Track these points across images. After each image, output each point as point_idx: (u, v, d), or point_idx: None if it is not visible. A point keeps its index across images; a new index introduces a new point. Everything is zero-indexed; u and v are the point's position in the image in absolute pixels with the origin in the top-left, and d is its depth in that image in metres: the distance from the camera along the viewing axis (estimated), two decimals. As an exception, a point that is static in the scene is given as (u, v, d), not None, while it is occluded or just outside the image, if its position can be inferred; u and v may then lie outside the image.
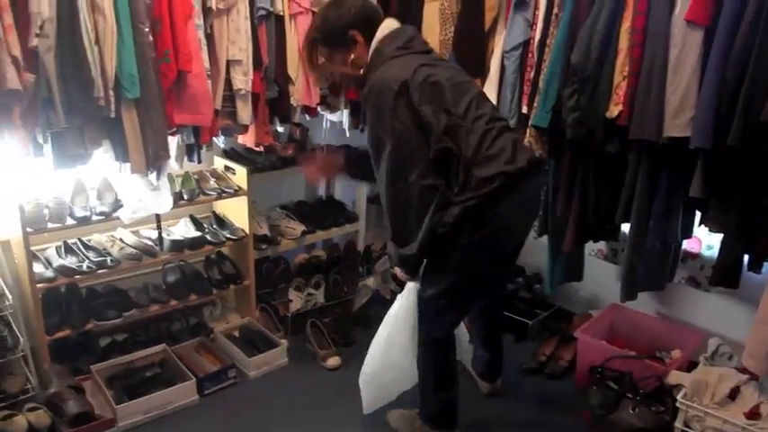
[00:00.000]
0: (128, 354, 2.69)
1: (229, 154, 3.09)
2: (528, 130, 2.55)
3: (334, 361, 2.88)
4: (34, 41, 1.91)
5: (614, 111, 2.25)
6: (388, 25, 2.02)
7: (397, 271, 2.18)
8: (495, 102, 2.59)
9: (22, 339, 2.43)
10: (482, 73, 2.72)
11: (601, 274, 3.15)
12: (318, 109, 2.86)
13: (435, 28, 2.75)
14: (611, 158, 2.37)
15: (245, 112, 2.47)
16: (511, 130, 2.00)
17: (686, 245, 2.74)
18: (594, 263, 3.15)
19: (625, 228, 2.54)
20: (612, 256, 3.11)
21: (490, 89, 2.65)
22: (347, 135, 3.14)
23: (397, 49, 1.95)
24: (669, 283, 2.73)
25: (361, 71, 2.04)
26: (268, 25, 2.50)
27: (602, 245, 3.11)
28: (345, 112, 3.03)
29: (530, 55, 2.56)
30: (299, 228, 3.23)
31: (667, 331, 2.84)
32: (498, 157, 1.86)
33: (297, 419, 2.52)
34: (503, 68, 2.66)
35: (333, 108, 2.94)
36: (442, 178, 1.90)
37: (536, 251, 3.11)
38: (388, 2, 2.75)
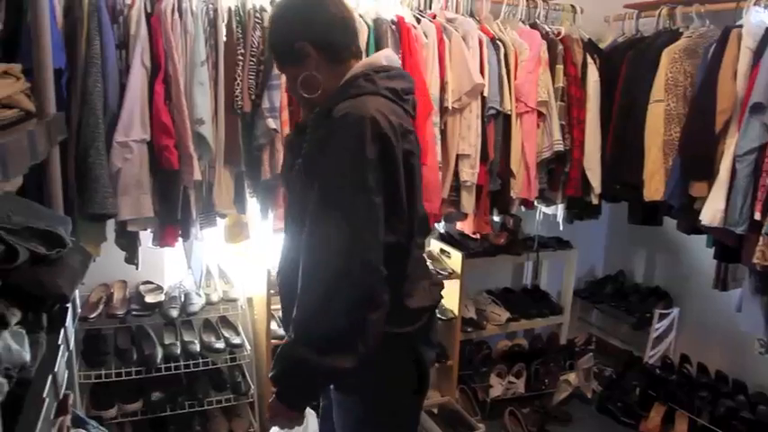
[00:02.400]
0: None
1: (445, 237, 3.29)
2: (761, 239, 2.42)
3: (530, 454, 2.86)
4: (302, 134, 2.26)
5: None
6: (388, 56, 1.50)
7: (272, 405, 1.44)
8: (723, 206, 2.51)
9: (252, 387, 2.74)
10: (710, 176, 2.64)
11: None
12: (535, 202, 2.96)
13: (660, 128, 2.75)
14: None
15: (468, 202, 2.65)
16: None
17: None
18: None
19: None
20: None
21: (719, 193, 2.56)
22: (560, 228, 3.19)
23: (391, 90, 1.38)
24: None
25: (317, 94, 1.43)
26: (496, 123, 2.69)
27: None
28: (560, 206, 3.09)
29: (766, 160, 2.46)
30: (504, 314, 3.30)
31: None
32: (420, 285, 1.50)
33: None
34: (733, 172, 2.57)
35: (549, 202, 3.02)
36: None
37: (761, 367, 2.86)
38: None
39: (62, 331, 1.38)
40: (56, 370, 1.18)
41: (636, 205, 3.03)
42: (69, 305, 1.53)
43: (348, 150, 1.29)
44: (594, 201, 2.97)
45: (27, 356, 1.10)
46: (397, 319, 1.40)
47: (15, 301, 1.22)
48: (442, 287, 1.62)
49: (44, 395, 1.04)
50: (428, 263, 2.99)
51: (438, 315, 2.98)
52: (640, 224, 3.10)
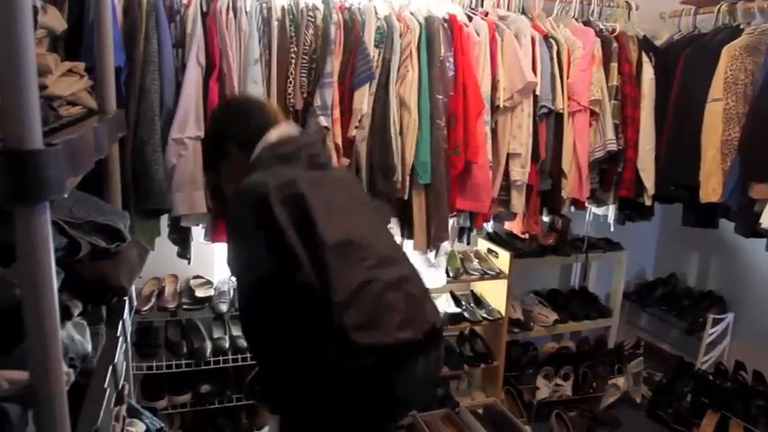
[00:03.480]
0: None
1: (493, 237, 3.26)
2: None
3: (577, 458, 2.81)
4: (353, 132, 2.27)
5: None
6: (282, 131, 1.62)
7: None
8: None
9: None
10: (772, 176, 2.56)
11: None
12: (586, 202, 2.91)
13: (718, 128, 2.67)
14: None
15: (518, 201, 2.61)
16: (414, 283, 1.56)
17: None
18: None
19: None
20: None
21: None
22: (611, 229, 3.13)
23: (277, 156, 1.54)
24: None
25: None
26: (548, 122, 2.65)
27: None
28: (612, 207, 3.03)
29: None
30: (552, 316, 3.26)
31: None
32: (381, 321, 1.42)
33: None
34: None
35: (600, 203, 2.96)
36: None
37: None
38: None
39: (120, 323, 1.41)
40: (115, 361, 1.20)
41: (690, 207, 2.95)
42: (127, 298, 1.57)
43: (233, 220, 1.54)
44: (647, 202, 2.90)
45: (89, 347, 1.13)
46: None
47: (77, 294, 1.26)
48: (430, 327, 1.52)
49: (105, 385, 1.06)
50: (475, 262, 2.99)
51: (484, 314, 2.98)
52: (694, 226, 3.01)
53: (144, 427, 1.64)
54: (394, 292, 1.47)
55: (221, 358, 2.59)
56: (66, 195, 0.72)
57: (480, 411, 3.10)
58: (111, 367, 1.15)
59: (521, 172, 2.57)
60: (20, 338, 0.78)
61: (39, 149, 0.70)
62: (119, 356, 1.29)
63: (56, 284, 0.75)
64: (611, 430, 3.12)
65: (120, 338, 1.35)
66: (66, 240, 1.23)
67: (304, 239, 1.40)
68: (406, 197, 2.39)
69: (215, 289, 2.69)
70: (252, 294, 1.47)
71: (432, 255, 2.62)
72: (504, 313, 3.02)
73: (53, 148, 0.72)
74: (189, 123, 2.08)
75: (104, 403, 1.01)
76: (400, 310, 1.45)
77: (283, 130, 1.64)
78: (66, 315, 1.15)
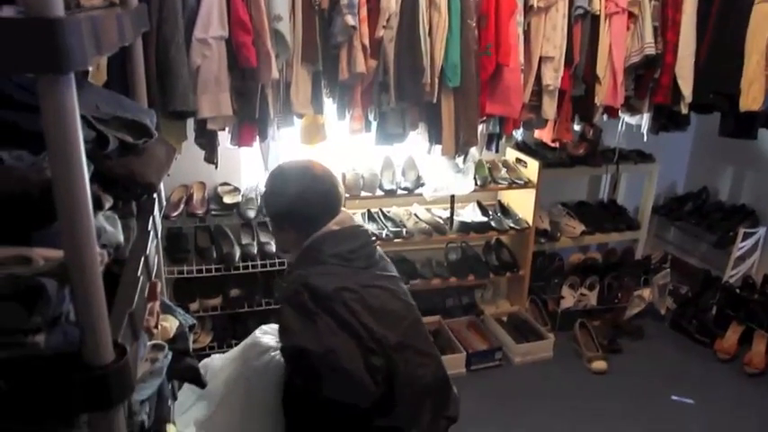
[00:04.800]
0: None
1: (521, 147, 3.20)
2: None
3: (599, 365, 2.86)
4: (380, 32, 2.20)
5: None
6: (339, 221, 1.72)
7: None
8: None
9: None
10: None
11: None
12: (619, 110, 2.82)
13: (765, 32, 2.53)
14: None
15: (550, 107, 2.54)
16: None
17: None
18: None
19: None
20: None
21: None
22: (644, 140, 3.04)
23: (334, 256, 1.68)
24: None
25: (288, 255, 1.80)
26: (583, 24, 2.53)
27: None
28: (646, 116, 2.93)
29: None
30: (579, 227, 3.23)
31: None
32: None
33: (553, 414, 2.57)
34: None
35: (634, 111, 2.87)
36: None
37: None
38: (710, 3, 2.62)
39: (150, 220, 1.42)
40: (147, 253, 1.21)
41: (729, 116, 2.85)
42: (156, 196, 1.58)
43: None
44: (684, 110, 2.80)
45: (121, 238, 1.14)
46: None
47: (107, 190, 1.26)
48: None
49: (138, 274, 1.07)
50: (503, 171, 2.95)
51: (511, 224, 2.97)
52: (732, 137, 2.92)
53: (177, 323, 1.67)
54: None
55: (250, 263, 2.63)
56: (89, 68, 0.70)
57: (504, 319, 3.14)
58: (143, 258, 1.16)
59: (553, 76, 2.48)
60: (53, 218, 0.78)
61: (60, 17, 0.68)
62: (150, 250, 1.30)
63: (84, 160, 0.74)
64: (634, 340, 3.15)
65: (151, 233, 1.36)
66: (93, 134, 1.21)
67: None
68: (434, 101, 2.33)
69: (242, 196, 2.71)
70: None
71: (460, 160, 2.59)
72: (531, 223, 3.00)
73: (75, 17, 0.70)
74: (212, 23, 2.02)
75: (138, 290, 1.03)
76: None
77: (343, 220, 1.74)
78: (97, 205, 1.15)
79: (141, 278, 1.09)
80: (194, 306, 2.63)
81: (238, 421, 1.76)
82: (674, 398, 2.69)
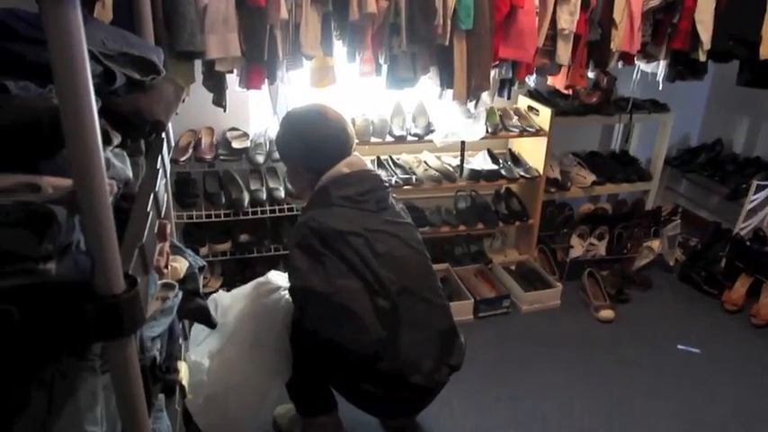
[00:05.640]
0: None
1: (533, 94, 3.14)
2: None
3: (607, 313, 2.86)
4: (392, -29, 2.13)
5: None
6: (349, 163, 1.80)
7: None
8: None
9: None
10: None
11: None
12: (635, 57, 2.75)
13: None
14: None
15: (564, 52, 2.48)
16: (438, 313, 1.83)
17: None
18: None
19: None
20: None
21: None
22: (660, 88, 2.98)
23: (343, 198, 1.74)
24: None
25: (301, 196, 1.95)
26: (601, -35, 2.45)
27: None
28: (663, 63, 2.87)
29: None
30: (590, 177, 3.21)
31: None
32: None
33: (560, 361, 2.58)
34: None
35: (651, 58, 2.80)
36: None
37: None
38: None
39: (159, 158, 1.41)
40: (156, 190, 1.21)
41: (748, 64, 2.79)
42: (164, 135, 1.56)
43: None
44: (702, 57, 2.73)
45: (130, 173, 1.13)
46: None
47: (115, 127, 1.24)
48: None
49: (148, 209, 1.07)
50: (514, 119, 2.90)
51: (522, 173, 2.95)
52: (749, 86, 2.86)
53: (187, 264, 1.68)
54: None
55: (259, 209, 2.63)
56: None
57: (513, 268, 3.15)
58: (152, 195, 1.15)
59: (569, 20, 2.41)
60: (61, 145, 0.76)
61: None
62: (160, 187, 1.29)
63: (91, 84, 0.72)
64: (642, 290, 3.15)
65: (160, 171, 1.35)
66: (100, 68, 1.19)
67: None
68: (446, 43, 2.27)
69: (251, 141, 2.69)
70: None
71: (471, 105, 2.55)
72: (541, 172, 2.97)
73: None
74: (220, -41, 1.97)
75: (148, 225, 1.02)
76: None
77: (354, 163, 1.80)
78: (105, 141, 1.14)
79: (151, 214, 1.08)
80: (204, 251, 2.64)
81: (248, 357, 1.80)
82: (680, 347, 2.71)
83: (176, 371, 1.62)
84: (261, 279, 1.97)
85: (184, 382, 1.67)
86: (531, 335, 2.74)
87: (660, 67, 2.91)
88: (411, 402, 1.84)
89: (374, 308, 1.67)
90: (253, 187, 2.70)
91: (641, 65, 2.95)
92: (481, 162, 3.00)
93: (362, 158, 1.86)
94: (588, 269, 3.07)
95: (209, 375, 1.77)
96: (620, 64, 2.82)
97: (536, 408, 2.30)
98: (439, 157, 3.00)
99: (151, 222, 1.08)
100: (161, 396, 1.33)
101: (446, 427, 2.19)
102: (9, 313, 0.72)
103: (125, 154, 1.21)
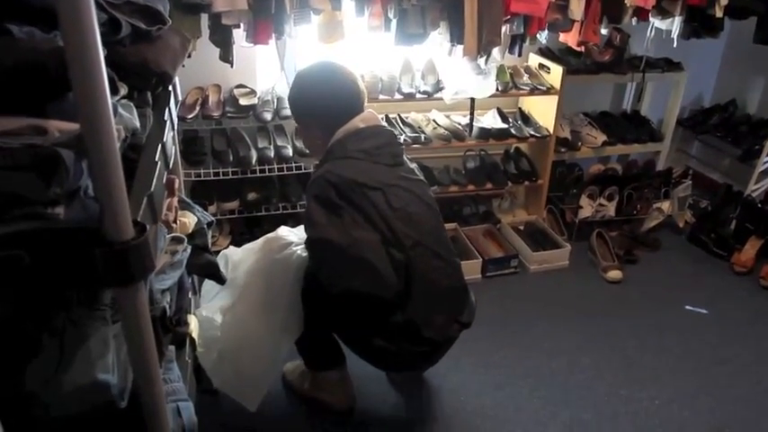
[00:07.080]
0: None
1: (544, 52, 3.09)
2: None
3: (615, 274, 2.86)
4: None
5: None
6: (363, 119, 1.80)
7: None
8: None
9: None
10: None
11: None
12: (650, 13, 2.69)
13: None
14: None
15: (577, 6, 2.43)
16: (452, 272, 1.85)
17: None
18: None
19: None
20: None
21: None
22: (674, 45, 2.92)
23: (360, 151, 1.75)
24: None
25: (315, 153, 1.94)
26: None
27: None
28: (678, 20, 2.80)
29: None
30: (601, 137, 3.17)
31: None
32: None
33: (567, 320, 2.58)
34: None
35: (665, 14, 2.74)
36: None
37: None
38: None
39: (167, 110, 1.39)
40: (164, 140, 1.19)
41: (765, 21, 2.72)
42: (171, 88, 1.54)
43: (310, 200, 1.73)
44: (718, 13, 2.67)
45: (137, 123, 1.12)
46: None
47: (122, 78, 1.22)
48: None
49: (156, 159, 1.06)
50: (525, 77, 2.86)
51: (532, 132, 2.91)
52: (766, 44, 2.80)
53: (195, 219, 1.68)
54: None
55: (266, 167, 2.62)
56: None
57: (521, 228, 3.13)
58: (160, 145, 1.14)
59: (583, -27, 2.36)
60: (67, 88, 0.75)
61: None
62: (167, 139, 1.28)
63: (97, 24, 0.70)
64: (651, 251, 3.14)
65: (168, 123, 1.33)
66: (105, 17, 1.17)
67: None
68: (457, -2, 2.23)
69: (258, 98, 2.66)
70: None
71: (482, 61, 2.50)
72: (551, 132, 2.94)
73: None
74: None
75: (156, 174, 1.01)
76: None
77: (368, 118, 1.80)
78: (112, 90, 1.12)
79: (159, 164, 1.07)
80: (212, 209, 2.64)
81: (260, 314, 1.80)
82: (687, 308, 2.70)
83: (186, 324, 1.64)
84: (271, 235, 1.97)
85: (195, 335, 1.68)
86: (539, 295, 2.74)
87: (675, 24, 2.84)
88: (422, 357, 1.86)
89: (390, 257, 1.68)
90: (260, 145, 2.68)
91: (655, 21, 2.88)
92: (491, 121, 2.97)
93: (376, 114, 1.85)
94: (597, 230, 3.05)
95: (222, 330, 1.78)
96: (633, 20, 2.77)
97: (543, 365, 2.31)
98: (448, 116, 2.97)
99: (159, 172, 1.08)
100: (171, 347, 1.34)
101: (454, 381, 2.21)
102: (19, 258, 0.71)
103: (132, 105, 1.19)
